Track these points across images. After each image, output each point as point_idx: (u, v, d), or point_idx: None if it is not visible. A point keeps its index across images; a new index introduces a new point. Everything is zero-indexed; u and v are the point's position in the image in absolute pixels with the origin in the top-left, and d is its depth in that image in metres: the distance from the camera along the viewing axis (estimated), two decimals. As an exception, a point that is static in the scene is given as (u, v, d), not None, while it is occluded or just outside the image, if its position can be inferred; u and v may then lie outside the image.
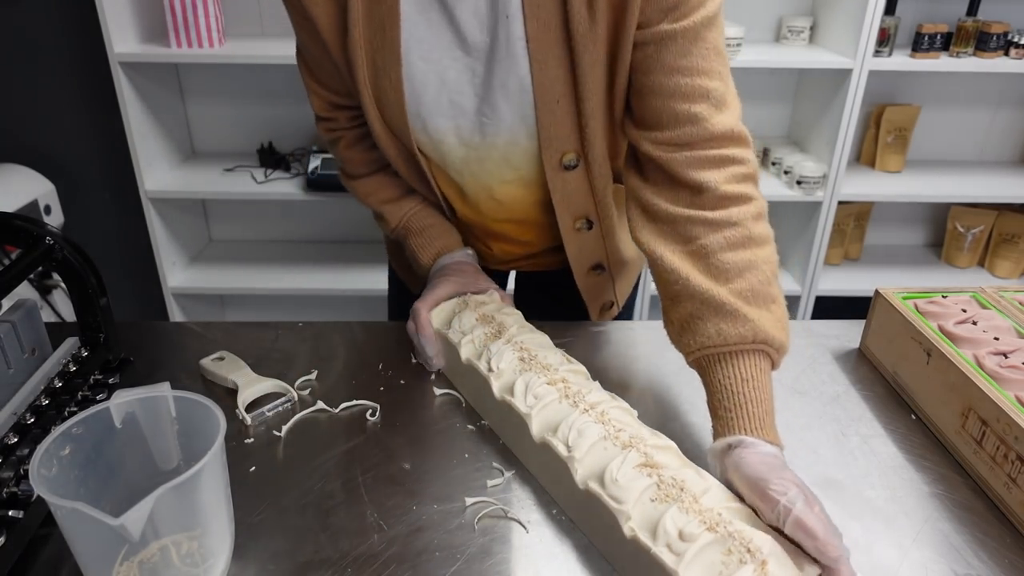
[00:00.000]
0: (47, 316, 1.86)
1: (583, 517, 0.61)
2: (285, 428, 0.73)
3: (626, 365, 0.84)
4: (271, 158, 2.13)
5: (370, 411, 0.75)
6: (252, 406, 0.75)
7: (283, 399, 0.76)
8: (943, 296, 0.83)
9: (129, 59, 1.83)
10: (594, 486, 0.57)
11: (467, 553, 0.58)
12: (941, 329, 0.76)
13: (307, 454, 0.69)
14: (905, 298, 0.83)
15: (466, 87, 0.76)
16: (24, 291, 1.79)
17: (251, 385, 0.76)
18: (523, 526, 0.61)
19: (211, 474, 0.52)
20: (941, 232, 2.42)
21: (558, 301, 1.02)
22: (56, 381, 0.72)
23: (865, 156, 2.27)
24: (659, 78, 0.71)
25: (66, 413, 0.68)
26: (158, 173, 2.04)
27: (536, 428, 0.64)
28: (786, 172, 2.07)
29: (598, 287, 0.97)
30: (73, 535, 0.50)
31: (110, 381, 0.75)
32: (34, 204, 1.90)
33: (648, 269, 1.43)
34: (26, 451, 0.62)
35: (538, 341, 0.75)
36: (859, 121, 2.14)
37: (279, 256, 2.30)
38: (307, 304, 2.42)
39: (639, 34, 0.70)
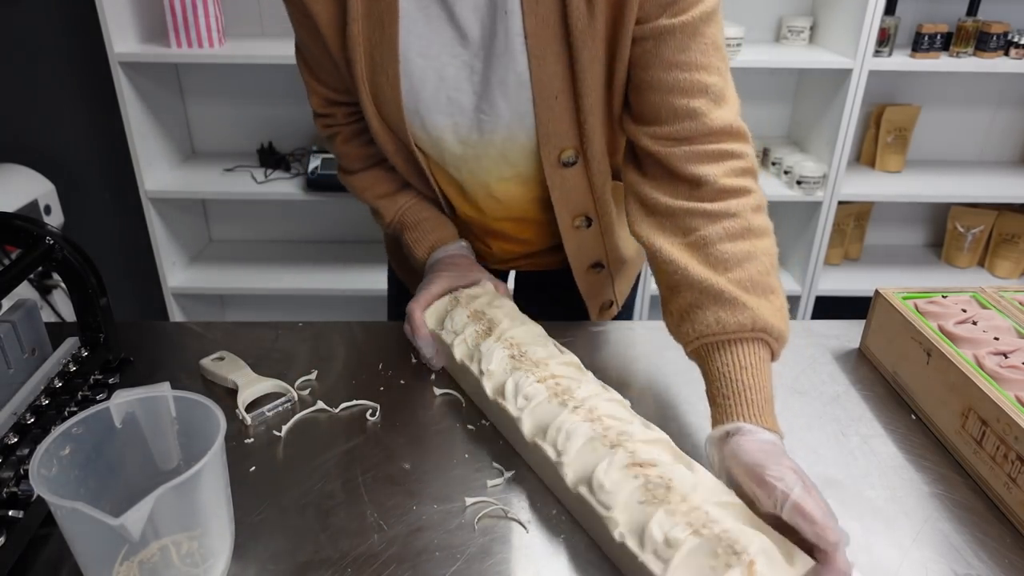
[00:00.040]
0: (47, 316, 1.86)
1: (580, 515, 0.61)
2: (285, 428, 0.73)
3: (626, 365, 0.84)
4: (271, 158, 2.13)
5: (370, 411, 0.75)
6: (252, 406, 0.75)
7: (283, 399, 0.76)
8: (943, 296, 0.83)
9: (129, 59, 1.83)
10: (584, 491, 0.58)
11: (467, 553, 0.58)
12: (941, 329, 0.76)
13: (307, 454, 0.69)
14: (905, 298, 0.83)
15: (464, 84, 0.76)
16: (24, 291, 1.79)
17: (251, 385, 0.76)
18: (523, 526, 0.61)
19: (211, 474, 0.52)
20: (941, 232, 2.42)
21: (557, 301, 1.02)
22: (56, 381, 0.72)
23: (865, 156, 2.27)
24: (658, 73, 0.71)
25: (66, 413, 0.68)
26: (158, 173, 2.04)
27: (527, 430, 0.65)
28: (786, 172, 2.07)
29: (597, 286, 0.97)
30: (73, 535, 0.50)
31: (110, 381, 0.75)
32: (34, 204, 1.90)
33: (647, 269, 1.44)
34: (26, 451, 0.62)
35: (529, 334, 0.75)
36: (859, 121, 2.14)
37: (279, 256, 2.30)
38: (307, 304, 2.42)
39: (638, 29, 0.71)
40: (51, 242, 0.72)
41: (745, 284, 0.65)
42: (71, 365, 0.75)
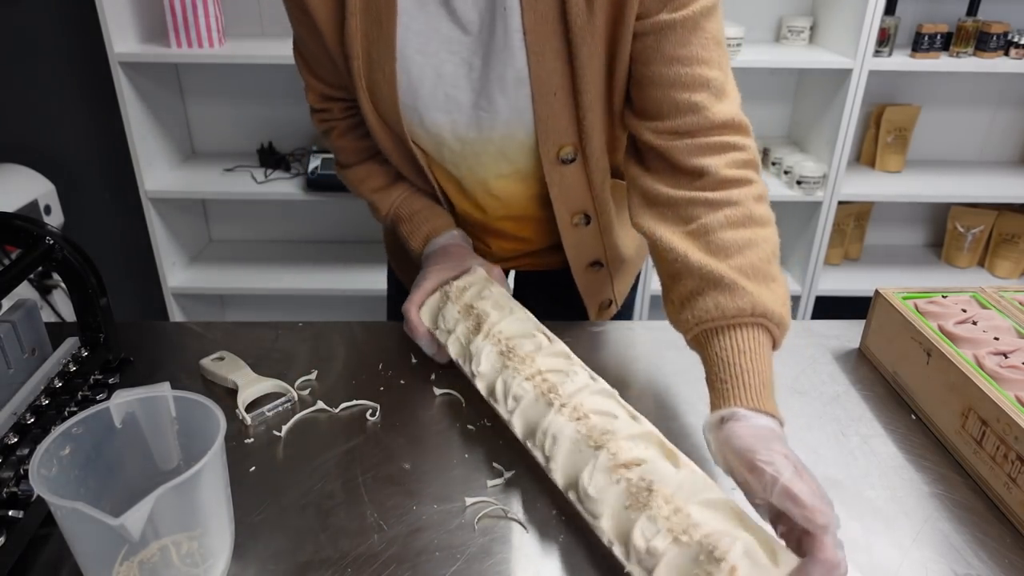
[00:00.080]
0: (47, 316, 1.86)
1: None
2: (285, 428, 0.73)
3: (626, 365, 0.84)
4: (271, 158, 2.13)
5: (370, 411, 0.75)
6: (252, 406, 0.75)
7: (283, 399, 0.76)
8: (943, 296, 0.83)
9: (129, 59, 1.83)
10: (572, 498, 0.58)
11: (467, 553, 0.58)
12: (941, 329, 0.76)
13: (307, 454, 0.69)
14: (905, 298, 0.83)
15: (462, 80, 0.76)
16: (24, 291, 1.79)
17: (251, 385, 0.76)
18: (523, 526, 0.61)
19: (211, 474, 0.52)
20: (941, 232, 2.42)
21: (557, 301, 1.02)
22: (56, 381, 0.72)
23: (865, 156, 2.27)
24: (659, 68, 0.71)
25: (66, 413, 0.68)
26: (158, 173, 2.04)
27: (518, 432, 0.65)
28: (786, 172, 2.07)
29: (596, 284, 0.97)
30: (73, 535, 0.50)
31: (110, 381, 0.75)
32: (34, 204, 1.90)
33: (647, 269, 1.44)
34: (26, 451, 0.62)
35: (517, 324, 0.74)
36: (859, 121, 2.14)
37: (279, 256, 2.30)
38: (307, 304, 2.42)
39: (639, 24, 0.71)
40: (51, 242, 0.72)
41: (745, 270, 0.65)
42: (71, 365, 0.75)
